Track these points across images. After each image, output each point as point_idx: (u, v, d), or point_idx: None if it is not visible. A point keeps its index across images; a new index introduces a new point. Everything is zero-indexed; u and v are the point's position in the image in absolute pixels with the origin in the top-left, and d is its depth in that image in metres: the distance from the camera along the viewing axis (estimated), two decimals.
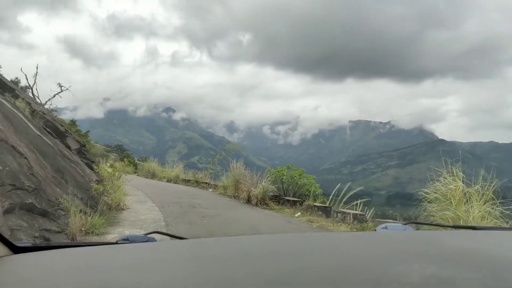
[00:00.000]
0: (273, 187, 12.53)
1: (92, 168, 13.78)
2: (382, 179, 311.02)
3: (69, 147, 13.13)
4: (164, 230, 5.94)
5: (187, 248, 1.45)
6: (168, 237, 1.79)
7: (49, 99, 47.86)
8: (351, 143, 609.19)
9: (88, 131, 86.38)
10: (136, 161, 56.77)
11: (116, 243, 1.54)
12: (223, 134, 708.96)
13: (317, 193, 12.28)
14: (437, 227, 3.79)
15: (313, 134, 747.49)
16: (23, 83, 47.02)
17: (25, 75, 45.64)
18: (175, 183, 24.41)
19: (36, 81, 46.50)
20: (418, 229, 3.22)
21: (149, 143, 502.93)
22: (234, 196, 14.44)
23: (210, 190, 18.25)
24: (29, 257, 1.28)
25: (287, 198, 12.25)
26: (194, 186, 21.12)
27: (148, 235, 1.65)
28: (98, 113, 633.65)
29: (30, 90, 47.02)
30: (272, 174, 13.15)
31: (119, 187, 11.45)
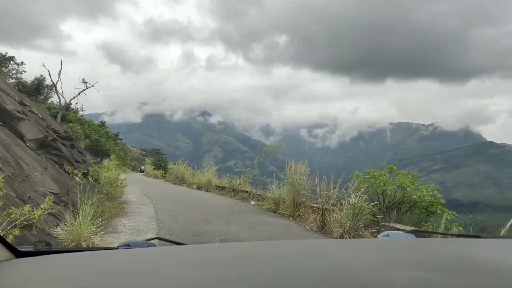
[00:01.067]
0: (369, 204, 7.11)
1: (66, 171, 8.89)
2: (426, 183, 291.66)
3: (21, 137, 8.19)
4: None
5: (188, 253, 1.45)
6: (169, 243, 1.76)
7: (74, 97, 44.26)
8: (392, 146, 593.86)
9: (118, 133, 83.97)
10: (167, 165, 52.81)
11: (117, 248, 1.54)
12: (259, 137, 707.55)
13: (447, 217, 6.89)
14: (441, 235, 3.78)
15: (351, 137, 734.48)
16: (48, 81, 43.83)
17: (48, 71, 42.28)
18: (207, 191, 19.45)
19: (60, 78, 43.17)
20: (420, 237, 2.30)
21: (185, 147, 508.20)
22: (292, 217, 9.24)
23: (252, 202, 13.12)
24: (31, 261, 1.28)
25: (393, 225, 6.85)
26: (231, 196, 16.09)
27: (149, 241, 1.63)
28: (135, 117, 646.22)
29: (54, 88, 43.69)
30: (365, 182, 7.73)
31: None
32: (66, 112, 47.87)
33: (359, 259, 1.24)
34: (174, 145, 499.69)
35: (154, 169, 44.02)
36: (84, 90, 45.10)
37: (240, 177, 20.34)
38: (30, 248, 1.44)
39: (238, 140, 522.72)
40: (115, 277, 1.07)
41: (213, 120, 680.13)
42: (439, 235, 3.78)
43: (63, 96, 45.44)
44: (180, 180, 26.21)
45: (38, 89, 47.50)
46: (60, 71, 43.92)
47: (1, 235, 1.43)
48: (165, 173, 41.23)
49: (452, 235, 3.22)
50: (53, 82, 43.07)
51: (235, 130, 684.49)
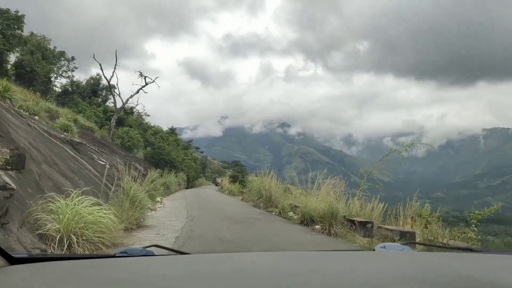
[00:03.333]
0: None
1: None
2: None
3: None
4: None
5: (185, 263, 1.46)
6: (167, 251, 1.82)
7: (131, 96, 35.96)
8: (486, 154, 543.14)
9: (191, 140, 76.73)
10: (245, 177, 43.54)
11: (114, 256, 1.54)
12: (341, 147, 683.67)
13: None
14: (435, 247, 4.17)
15: (440, 145, 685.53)
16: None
17: (100, 64, 34.79)
18: (328, 232, 9.02)
19: (116, 73, 35.39)
20: (416, 249, 2.98)
21: (265, 159, 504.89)
22: None
23: None
24: (26, 268, 1.26)
25: None
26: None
27: (147, 249, 1.63)
28: (216, 131, 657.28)
29: (108, 85, 35.91)
30: None
31: None
32: (125, 116, 40.30)
33: (355, 272, 1.25)
34: (255, 157, 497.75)
35: (230, 182, 34.45)
36: (144, 86, 37.17)
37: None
38: (24, 255, 1.40)
39: (319, 151, 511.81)
40: (111, 286, 1.04)
41: (292, 131, 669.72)
42: (434, 248, 4.31)
43: (119, 96, 37.75)
44: (266, 202, 15.94)
45: (94, 90, 40.40)
46: (115, 65, 36.42)
47: None
48: (243, 187, 31.82)
49: (445, 247, 3.63)
50: (105, 77, 35.45)
51: (315, 140, 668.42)
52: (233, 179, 34.76)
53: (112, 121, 34.88)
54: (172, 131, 54.48)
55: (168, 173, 29.21)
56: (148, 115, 44.86)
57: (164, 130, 52.68)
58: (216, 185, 56.84)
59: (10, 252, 1.32)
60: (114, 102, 36.11)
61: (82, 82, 40.17)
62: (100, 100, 40.70)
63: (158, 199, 18.18)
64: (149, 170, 25.84)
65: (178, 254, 1.71)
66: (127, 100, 36.05)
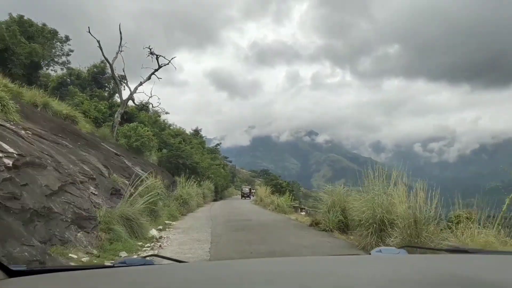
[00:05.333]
0: None
1: None
2: None
3: None
4: None
5: (185, 271, 1.44)
6: (166, 260, 1.75)
7: (141, 83, 27.35)
8: None
9: (218, 144, 67.68)
10: (289, 188, 34.35)
11: (113, 266, 1.51)
12: (369, 154, 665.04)
13: None
14: (431, 250, 4.03)
15: (472, 149, 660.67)
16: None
17: (98, 41, 26.03)
18: None
19: (121, 54, 26.95)
20: (411, 252, 2.56)
21: (293, 167, 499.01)
22: None
23: None
24: (24, 281, 1.25)
25: None
26: None
27: (146, 258, 1.62)
28: (244, 140, 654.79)
29: (110, 68, 27.40)
30: None
31: None
32: (136, 112, 31.88)
33: (351, 276, 1.24)
34: (282, 165, 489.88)
35: (272, 193, 25.35)
36: (157, 70, 28.58)
37: None
38: (23, 267, 1.38)
39: (347, 159, 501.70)
40: None
41: (320, 139, 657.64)
42: (429, 251, 4.08)
43: (126, 84, 29.23)
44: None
45: (98, 80, 32.20)
46: (120, 46, 28.01)
47: None
48: (293, 199, 22.76)
49: (441, 250, 3.32)
50: (106, 59, 26.89)
51: (343, 148, 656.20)
52: (277, 189, 25.59)
53: (116, 115, 26.39)
54: (197, 132, 45.63)
55: (187, 181, 20.34)
56: (166, 113, 36.30)
57: (188, 132, 44.16)
58: (243, 195, 48.44)
59: (8, 265, 1.31)
60: (119, 92, 27.64)
61: (84, 72, 31.99)
62: (106, 93, 32.45)
63: (153, 232, 9.01)
64: (161, 178, 17.23)
65: (178, 263, 1.65)
66: (136, 88, 27.54)
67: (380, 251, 1.75)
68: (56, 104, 17.15)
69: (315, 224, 11.92)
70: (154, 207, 10.96)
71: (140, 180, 11.91)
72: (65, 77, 31.34)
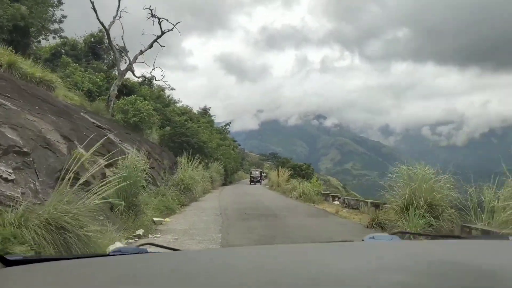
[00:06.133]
0: None
1: None
2: None
3: None
4: None
5: (179, 259, 1.43)
6: (161, 249, 1.72)
7: (141, 52, 23.68)
8: None
9: (228, 123, 63.64)
10: (310, 171, 30.49)
11: (108, 255, 1.50)
12: (378, 138, 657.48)
13: None
14: (423, 236, 4.05)
15: (481, 133, 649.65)
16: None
17: (95, 10, 22.13)
18: None
19: (119, 19, 23.06)
20: (404, 239, 2.87)
21: (301, 151, 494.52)
22: None
23: None
24: (21, 270, 1.24)
25: None
26: None
27: (141, 247, 1.59)
28: (253, 124, 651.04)
29: (106, 33, 23.85)
30: None
31: None
32: (137, 86, 28.29)
33: (345, 263, 1.24)
34: (291, 149, 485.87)
35: (289, 179, 21.61)
36: (159, 37, 24.89)
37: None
38: (19, 257, 1.37)
39: (355, 142, 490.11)
40: (106, 285, 1.02)
41: (328, 123, 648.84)
42: (422, 237, 4.13)
43: (124, 53, 25.58)
44: None
45: (94, 51, 28.53)
46: (118, 9, 24.25)
47: None
48: (319, 185, 19.03)
49: (434, 236, 3.34)
50: (102, 23, 23.08)
51: (351, 131, 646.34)
52: (295, 172, 21.83)
53: (112, 88, 22.77)
54: (205, 111, 41.75)
55: (190, 162, 16.62)
56: (172, 88, 32.55)
57: (195, 111, 40.46)
58: (252, 180, 43.94)
59: (5, 255, 1.30)
60: (116, 61, 23.93)
61: (80, 43, 28.32)
62: (105, 66, 28.81)
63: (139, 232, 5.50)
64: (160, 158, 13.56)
65: (173, 251, 1.60)
66: (136, 57, 23.80)
67: (373, 237, 1.73)
68: (28, 66, 13.54)
69: (376, 225, 8.22)
70: (133, 200, 7.43)
71: (123, 158, 8.36)
72: (59, 48, 27.79)
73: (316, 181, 17.78)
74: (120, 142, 12.36)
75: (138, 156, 8.57)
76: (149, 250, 1.56)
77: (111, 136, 11.38)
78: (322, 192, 17.10)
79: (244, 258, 1.39)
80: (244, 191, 24.78)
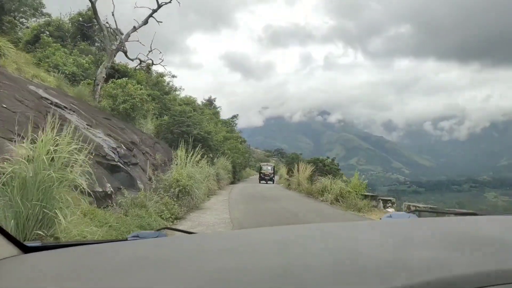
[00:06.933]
0: None
1: None
2: None
3: None
4: None
5: (196, 242, 1.41)
6: (178, 232, 1.73)
7: (135, 28, 19.84)
8: None
9: (235, 116, 59.09)
10: (335, 167, 26.24)
11: (127, 239, 1.50)
12: (381, 133, 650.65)
13: None
14: (440, 213, 3.75)
15: (483, 127, 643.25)
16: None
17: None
18: None
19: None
20: (422, 216, 2.67)
21: (306, 147, 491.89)
22: None
23: None
24: (40, 256, 1.23)
25: None
26: None
27: (159, 231, 1.60)
28: (257, 121, 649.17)
29: (93, 10, 20.11)
30: None
31: None
32: (131, 71, 24.38)
33: (365, 241, 1.23)
34: (295, 145, 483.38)
35: (311, 176, 17.47)
36: (155, 11, 20.89)
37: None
38: (37, 243, 1.37)
39: (359, 138, 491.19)
40: (125, 268, 1.02)
41: (332, 118, 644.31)
42: (439, 214, 3.94)
43: (114, 32, 21.59)
44: None
45: (83, 32, 24.58)
46: None
47: (7, 231, 1.29)
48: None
49: (450, 213, 3.11)
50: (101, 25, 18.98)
51: (355, 127, 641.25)
52: (319, 170, 17.64)
53: (99, 70, 18.81)
54: (210, 102, 37.56)
55: (192, 155, 12.44)
56: (173, 76, 28.52)
57: (199, 103, 36.43)
58: (263, 177, 37.58)
59: (24, 241, 1.28)
60: (104, 39, 19.92)
61: (66, 22, 24.37)
62: (95, 49, 24.84)
63: None
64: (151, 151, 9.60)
65: (189, 234, 1.65)
66: (128, 35, 19.77)
67: (390, 216, 1.72)
68: None
69: None
70: (39, 234, 3.49)
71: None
72: (42, 29, 23.85)
73: (359, 180, 13.41)
74: (87, 127, 8.40)
75: (67, 137, 4.50)
76: (166, 234, 1.55)
77: (68, 116, 7.39)
78: (366, 193, 12.97)
79: (259, 239, 1.36)
80: (259, 192, 20.26)
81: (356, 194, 12.47)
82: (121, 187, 7.63)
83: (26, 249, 1.25)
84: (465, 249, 1.03)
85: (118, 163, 7.74)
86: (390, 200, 11.78)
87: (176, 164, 11.33)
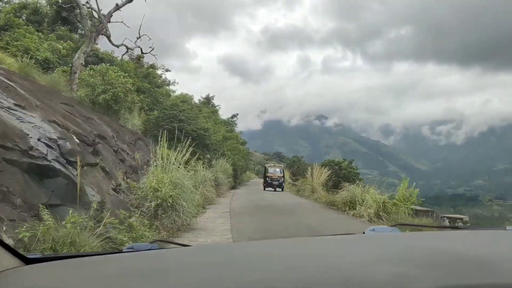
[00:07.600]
0: None
1: None
2: None
3: None
4: None
5: (189, 254, 1.43)
6: (171, 245, 1.73)
7: (117, 7, 16.98)
8: None
9: (234, 115, 55.45)
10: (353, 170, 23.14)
11: (122, 252, 1.52)
12: (378, 137, 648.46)
13: None
14: (423, 228, 3.79)
15: (480, 132, 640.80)
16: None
17: None
18: None
19: None
20: (404, 230, 2.51)
21: (304, 150, 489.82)
22: None
23: None
24: (40, 268, 1.24)
25: None
26: None
27: (152, 243, 1.59)
28: (256, 125, 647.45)
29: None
30: None
31: None
32: (116, 59, 21.27)
33: (346, 255, 1.23)
34: (293, 149, 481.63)
35: (327, 181, 14.26)
36: None
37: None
38: (38, 255, 1.39)
39: (356, 142, 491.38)
40: (120, 280, 1.03)
41: (330, 122, 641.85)
42: (421, 228, 3.83)
43: (93, 10, 18.53)
44: None
45: (64, 17, 21.51)
46: None
47: (9, 243, 1.32)
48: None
49: (432, 227, 3.34)
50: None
51: (353, 131, 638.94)
52: (333, 172, 14.49)
53: (76, 55, 15.72)
54: (208, 100, 34.37)
55: (181, 153, 9.09)
56: (167, 70, 25.41)
57: (197, 101, 33.28)
58: (269, 183, 32.20)
59: (24, 253, 1.30)
60: (82, 19, 16.79)
61: (43, 6, 21.26)
62: (78, 36, 21.73)
63: None
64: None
65: (183, 246, 1.66)
66: (110, 14, 16.60)
67: (373, 230, 1.72)
68: None
69: None
70: None
71: None
72: (17, 13, 20.77)
73: (407, 191, 9.99)
74: (15, 107, 5.30)
75: None
76: (160, 246, 1.55)
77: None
78: (417, 207, 9.73)
79: (252, 252, 1.38)
80: (266, 200, 16.26)
81: (406, 208, 9.36)
82: (57, 202, 4.59)
83: (27, 261, 1.25)
84: (434, 265, 1.02)
85: (53, 163, 4.66)
86: (461, 219, 8.56)
87: (155, 166, 8.09)
